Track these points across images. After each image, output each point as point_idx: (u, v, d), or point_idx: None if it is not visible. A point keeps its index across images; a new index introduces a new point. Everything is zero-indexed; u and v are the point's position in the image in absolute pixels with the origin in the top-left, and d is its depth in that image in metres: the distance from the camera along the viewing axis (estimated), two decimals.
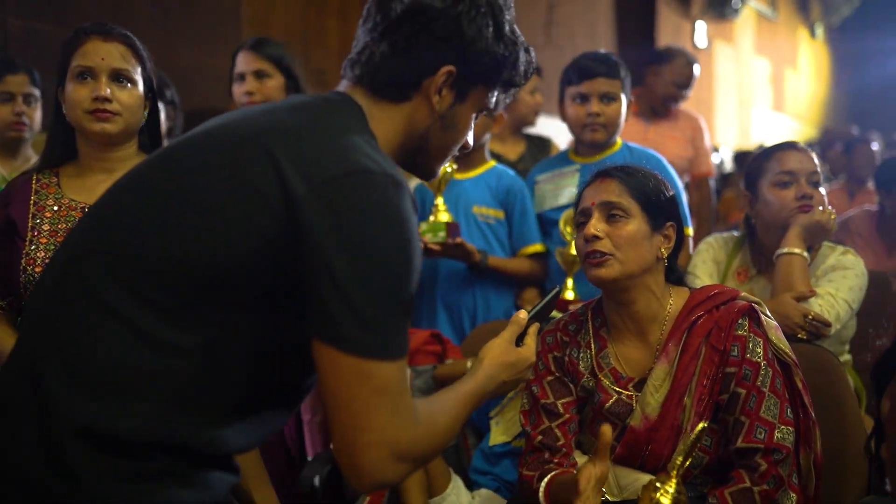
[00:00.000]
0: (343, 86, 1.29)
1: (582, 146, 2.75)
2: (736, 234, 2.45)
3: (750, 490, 1.57)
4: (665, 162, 2.72)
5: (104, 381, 1.07)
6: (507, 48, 1.28)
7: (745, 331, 1.65)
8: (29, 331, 1.15)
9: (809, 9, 11.20)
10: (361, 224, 1.05)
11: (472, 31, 1.24)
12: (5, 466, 1.07)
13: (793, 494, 1.58)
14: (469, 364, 2.24)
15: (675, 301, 1.75)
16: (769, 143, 2.56)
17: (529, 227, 2.75)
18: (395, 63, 1.23)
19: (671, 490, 1.33)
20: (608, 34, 6.86)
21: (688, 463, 1.38)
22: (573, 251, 2.55)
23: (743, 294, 1.72)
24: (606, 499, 1.71)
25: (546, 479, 1.69)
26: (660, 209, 1.73)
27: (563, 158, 2.83)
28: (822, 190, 2.26)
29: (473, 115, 1.33)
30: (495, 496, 2.13)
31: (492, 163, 2.85)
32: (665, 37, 7.25)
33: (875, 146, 5.56)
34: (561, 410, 1.78)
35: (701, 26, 8.31)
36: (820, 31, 11.42)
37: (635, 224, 1.70)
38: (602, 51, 2.79)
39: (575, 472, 1.66)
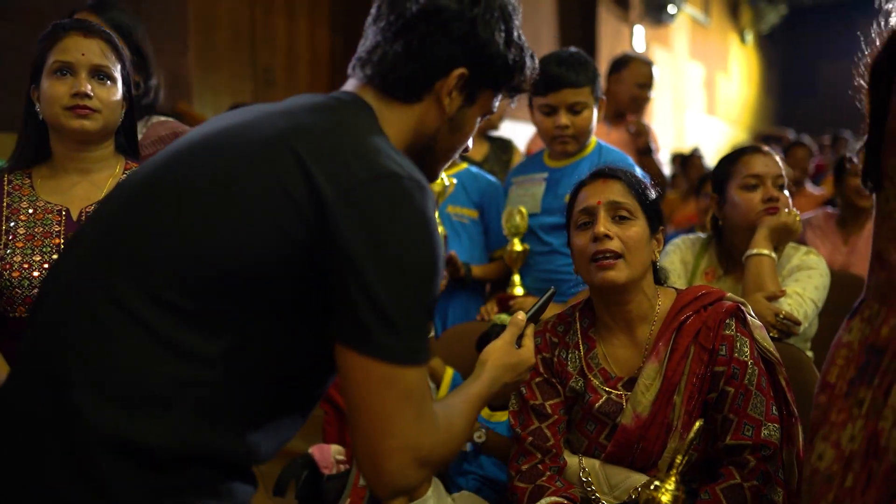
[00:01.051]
0: (352, 85, 1.28)
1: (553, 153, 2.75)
2: (702, 235, 2.52)
3: (740, 486, 1.61)
4: (635, 165, 2.74)
5: (131, 391, 1.05)
6: (516, 53, 1.29)
7: (733, 330, 1.70)
8: (44, 341, 1.11)
9: (740, 15, 11.51)
10: (391, 230, 1.05)
11: (486, 35, 1.24)
12: (27, 479, 1.03)
13: (779, 489, 1.63)
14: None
15: (663, 301, 1.78)
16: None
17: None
18: (408, 63, 1.23)
19: (671, 488, 1.36)
20: (550, 38, 6.94)
21: (684, 461, 1.41)
22: (518, 248, 2.60)
23: (729, 295, 1.76)
24: (597, 497, 1.73)
25: None
26: (655, 213, 1.77)
27: (538, 161, 2.81)
28: (787, 192, 2.34)
29: (478, 119, 1.34)
30: (476, 497, 2.13)
31: (464, 164, 2.87)
32: (605, 41, 7.37)
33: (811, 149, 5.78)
34: (549, 411, 1.80)
35: (639, 31, 8.46)
36: (750, 37, 11.75)
37: (640, 226, 1.73)
38: (570, 50, 2.61)
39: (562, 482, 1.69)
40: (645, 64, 4.11)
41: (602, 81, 2.69)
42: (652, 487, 1.37)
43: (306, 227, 1.06)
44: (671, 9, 8.83)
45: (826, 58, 10.87)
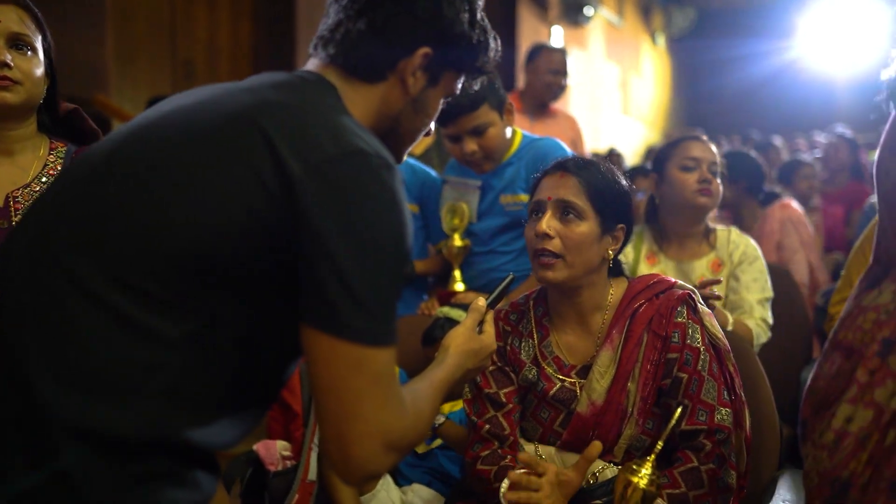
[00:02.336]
0: (314, 65, 1.26)
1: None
2: (637, 228, 2.64)
3: (697, 469, 1.65)
4: (568, 149, 2.70)
5: (93, 377, 1.00)
6: (480, 34, 1.29)
7: (685, 318, 1.73)
8: (2, 328, 1.06)
9: (651, 18, 11.80)
10: (361, 208, 1.03)
11: (451, 14, 1.24)
12: None
13: (732, 472, 1.67)
14: None
15: (615, 290, 1.81)
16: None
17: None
18: (372, 42, 1.21)
19: (647, 472, 1.38)
20: None
21: (660, 447, 1.43)
22: (458, 243, 2.60)
23: (679, 283, 1.80)
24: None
25: (512, 477, 1.70)
26: (613, 211, 1.77)
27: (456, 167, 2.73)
28: (719, 180, 2.51)
29: (441, 101, 1.33)
30: (428, 490, 2.12)
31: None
32: (525, 41, 7.45)
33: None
34: (504, 400, 1.81)
35: (557, 31, 8.59)
36: (661, 40, 12.06)
37: (587, 226, 1.73)
38: None
39: (521, 463, 1.69)
40: (556, 51, 4.18)
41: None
42: (630, 471, 1.39)
43: (273, 204, 1.03)
44: (587, 10, 8.99)
45: (733, 61, 11.24)
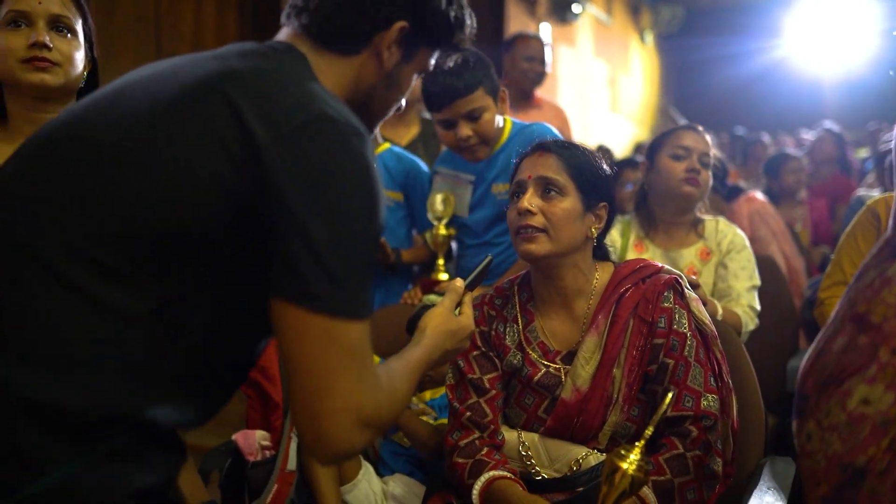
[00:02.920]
0: (285, 34, 1.22)
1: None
2: (626, 217, 2.64)
3: (683, 456, 1.62)
4: (557, 133, 2.63)
5: (52, 352, 0.97)
6: (457, 10, 1.26)
7: (671, 303, 1.70)
8: None
9: (640, 16, 11.79)
10: (331, 176, 1.00)
11: None
12: None
13: (718, 459, 1.64)
14: None
15: (600, 275, 1.78)
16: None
17: None
18: (348, 13, 1.18)
19: (636, 457, 1.35)
20: None
21: (650, 432, 1.40)
22: (442, 231, 2.58)
23: (666, 267, 1.77)
24: (537, 471, 1.71)
25: (483, 481, 1.67)
26: (594, 188, 1.75)
27: (459, 159, 2.64)
28: (710, 172, 2.51)
29: (414, 76, 1.30)
30: (410, 480, 2.09)
31: (386, 144, 2.81)
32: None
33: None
34: (487, 385, 1.78)
35: (545, 28, 8.56)
36: (649, 38, 12.05)
37: (569, 202, 1.71)
38: (454, 57, 2.38)
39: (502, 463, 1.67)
40: (532, 38, 4.14)
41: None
42: (618, 457, 1.36)
43: (238, 172, 0.99)
44: (576, 8, 8.96)
45: (721, 59, 11.24)
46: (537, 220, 1.69)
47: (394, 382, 1.12)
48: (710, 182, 2.51)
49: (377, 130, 2.66)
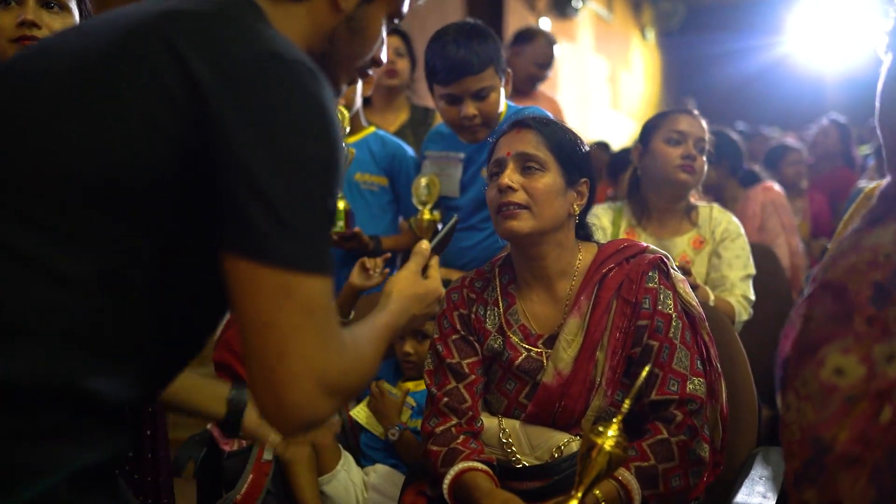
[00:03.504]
0: None
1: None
2: (618, 204, 2.58)
3: (668, 441, 1.56)
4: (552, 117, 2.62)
5: None
6: None
7: (656, 283, 1.64)
8: None
9: (641, 12, 11.74)
10: (281, 117, 0.92)
11: None
12: None
13: (705, 445, 1.58)
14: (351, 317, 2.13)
15: (584, 256, 1.71)
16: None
17: None
18: None
19: (614, 433, 1.28)
20: None
21: (626, 407, 1.34)
22: (427, 216, 2.50)
23: (651, 247, 1.71)
24: (518, 458, 1.65)
25: (453, 473, 1.61)
26: (575, 164, 1.68)
27: (453, 136, 2.53)
28: (705, 158, 2.43)
29: (384, 22, 1.21)
30: (392, 471, 2.02)
31: (371, 128, 2.75)
32: (512, 31, 7.34)
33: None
34: (466, 370, 1.71)
35: (545, 23, 8.50)
36: (651, 35, 11.99)
37: (550, 177, 1.65)
38: (467, 23, 2.33)
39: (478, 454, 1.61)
40: (548, 45, 4.06)
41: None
42: (595, 433, 1.29)
43: (180, 117, 0.92)
44: (576, 3, 8.90)
45: (723, 56, 11.17)
46: (519, 197, 1.63)
47: (359, 346, 1.05)
48: (706, 169, 2.44)
49: (360, 109, 2.63)
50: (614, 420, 1.31)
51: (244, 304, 0.92)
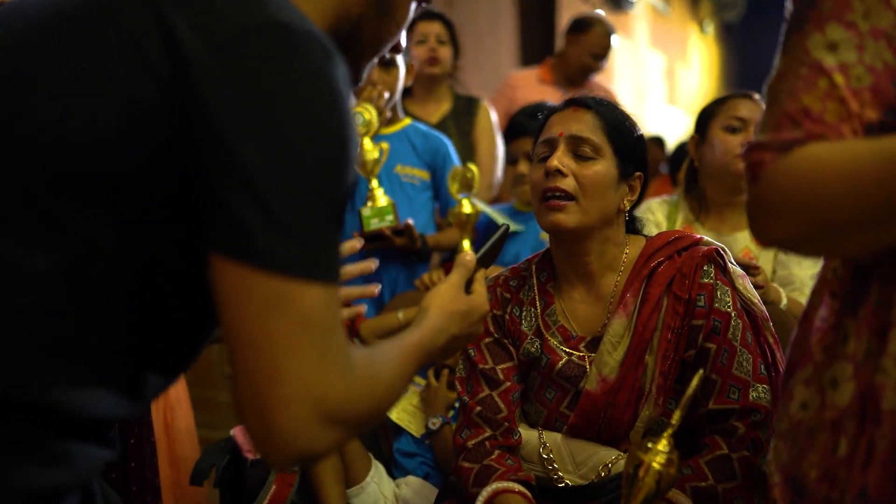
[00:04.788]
0: None
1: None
2: (674, 198, 2.41)
3: (728, 458, 1.38)
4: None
5: None
6: None
7: (712, 278, 1.46)
8: None
9: (700, 5, 11.41)
10: (278, 94, 0.78)
11: None
12: None
13: None
14: (400, 316, 1.99)
15: (631, 250, 1.54)
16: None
17: None
18: None
19: (663, 450, 1.11)
20: (510, 22, 6.72)
21: (677, 419, 1.17)
22: (466, 209, 2.38)
23: (705, 238, 1.53)
24: (560, 476, 1.49)
25: (486, 494, 1.44)
26: (631, 155, 1.51)
27: (511, 210, 2.60)
28: None
29: (412, 5, 1.08)
30: (424, 484, 1.88)
31: (408, 120, 2.62)
32: (565, 23, 7.15)
33: None
34: (501, 377, 1.55)
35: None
36: (710, 28, 11.66)
37: (604, 166, 1.47)
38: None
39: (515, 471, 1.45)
40: (605, 35, 3.87)
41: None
42: (642, 448, 1.13)
43: (162, 92, 0.78)
44: None
45: None
46: (567, 184, 1.46)
47: (375, 368, 0.89)
48: None
49: (398, 100, 2.50)
50: (664, 434, 1.14)
51: (231, 314, 0.78)
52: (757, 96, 2.28)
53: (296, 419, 0.77)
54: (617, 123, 1.51)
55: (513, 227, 2.46)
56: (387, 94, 2.35)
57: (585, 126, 1.49)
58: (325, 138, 0.79)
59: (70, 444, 0.83)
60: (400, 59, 2.40)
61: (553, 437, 1.52)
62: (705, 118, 2.28)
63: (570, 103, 1.54)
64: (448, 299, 1.10)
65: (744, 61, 12.29)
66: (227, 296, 0.78)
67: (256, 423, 0.78)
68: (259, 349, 0.77)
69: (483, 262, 1.20)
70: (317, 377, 0.78)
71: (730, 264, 1.49)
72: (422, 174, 2.54)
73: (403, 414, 1.97)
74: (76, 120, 0.80)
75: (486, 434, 1.52)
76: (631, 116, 1.57)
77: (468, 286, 1.15)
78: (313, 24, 0.84)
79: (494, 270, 1.80)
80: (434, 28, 3.03)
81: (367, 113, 2.29)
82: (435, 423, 1.91)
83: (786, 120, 0.84)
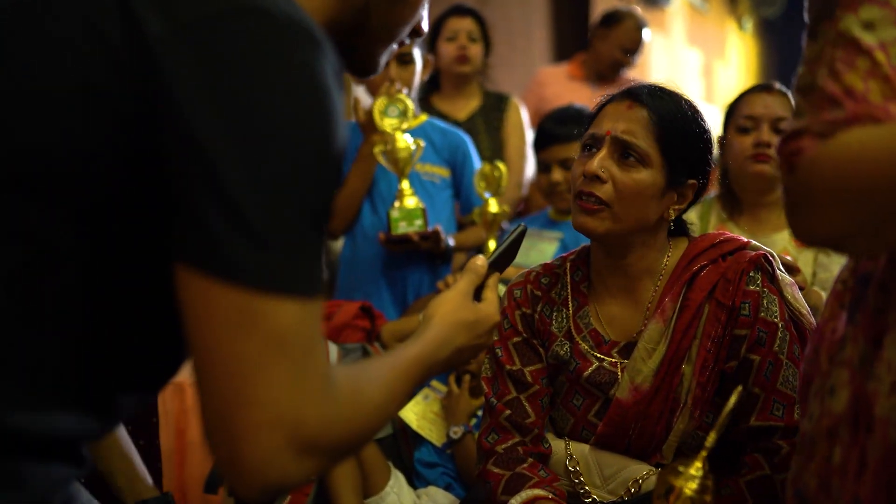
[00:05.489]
0: None
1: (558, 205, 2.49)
2: (708, 197, 2.29)
3: (770, 479, 1.27)
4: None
5: None
6: None
7: (758, 285, 1.35)
8: None
9: (738, 2, 11.21)
10: (251, 85, 0.69)
11: None
12: None
13: None
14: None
15: (673, 253, 1.43)
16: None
17: None
18: None
19: (697, 474, 1.02)
20: (542, 16, 6.61)
21: (712, 440, 1.07)
22: (494, 209, 2.30)
23: (753, 242, 1.42)
24: (586, 491, 1.39)
25: (523, 498, 1.35)
26: (685, 161, 1.39)
27: (545, 219, 2.54)
28: None
29: None
30: (446, 495, 1.79)
31: (424, 116, 2.54)
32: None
33: None
34: (529, 379, 1.46)
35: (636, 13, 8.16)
36: (749, 24, 11.46)
37: (649, 176, 1.35)
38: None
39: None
40: (637, 28, 3.74)
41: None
42: (672, 473, 1.03)
43: (124, 83, 0.70)
44: None
45: None
46: (604, 192, 1.35)
47: (361, 389, 0.80)
48: None
49: (413, 97, 2.42)
50: (697, 456, 1.04)
51: (196, 331, 0.70)
52: (777, 87, 2.19)
53: (266, 448, 0.69)
54: (673, 124, 1.38)
55: (549, 236, 2.38)
56: (405, 90, 2.27)
57: (636, 127, 1.37)
58: (303, 135, 0.71)
59: (28, 464, 0.75)
60: (417, 53, 2.33)
61: (580, 449, 1.42)
62: (726, 118, 2.21)
63: (626, 95, 1.42)
64: (453, 308, 1.01)
65: (784, 58, 12.06)
66: (192, 311, 0.70)
67: (223, 450, 0.70)
68: (226, 370, 0.69)
69: (496, 267, 1.10)
70: (290, 402, 0.70)
71: (778, 271, 1.39)
72: (441, 172, 2.47)
73: (424, 422, 1.89)
74: (23, 107, 0.72)
75: (515, 439, 1.43)
76: (696, 112, 1.43)
77: (478, 293, 1.06)
78: (301, 12, 0.75)
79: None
80: (465, 24, 2.95)
81: (401, 103, 2.20)
82: (457, 431, 1.85)
83: (825, 102, 0.77)
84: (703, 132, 1.42)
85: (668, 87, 1.44)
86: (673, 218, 1.42)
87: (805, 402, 0.92)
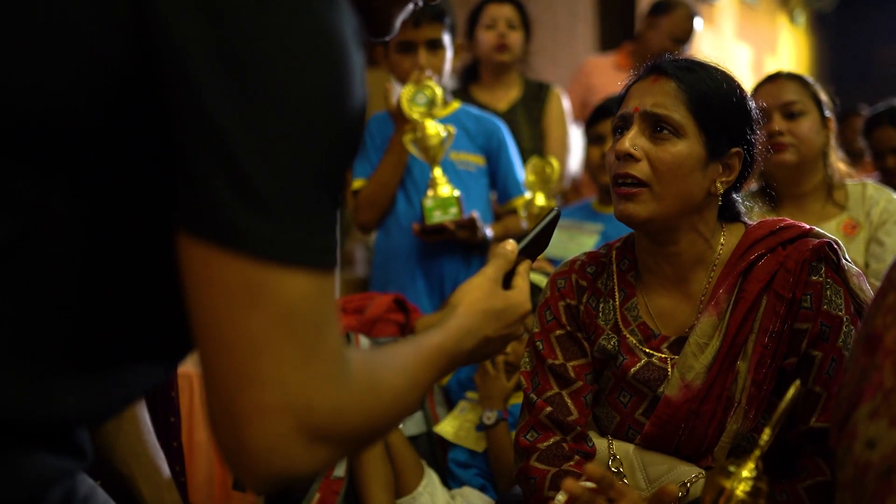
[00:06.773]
0: None
1: (604, 195, 2.42)
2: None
3: (830, 485, 1.18)
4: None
5: None
6: None
7: (822, 276, 1.25)
8: None
9: None
10: (260, 43, 0.63)
11: None
12: None
13: None
14: None
15: (727, 241, 1.34)
16: None
17: (516, 176, 2.39)
18: None
19: (749, 476, 0.93)
20: (588, 8, 6.51)
21: (766, 439, 0.98)
22: (541, 202, 2.26)
23: (816, 230, 1.32)
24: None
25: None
26: (724, 128, 1.30)
27: (587, 210, 2.49)
28: (806, 123, 2.05)
29: None
30: (481, 496, 1.72)
31: (457, 103, 2.47)
32: (646, 4, 6.92)
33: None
34: (572, 375, 1.37)
35: None
36: (801, 18, 11.23)
37: (686, 146, 1.27)
38: None
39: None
40: (689, 17, 3.63)
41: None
42: (723, 474, 0.95)
43: (127, 41, 0.65)
44: None
45: (882, 41, 10.31)
46: (640, 170, 1.27)
47: (378, 374, 0.74)
48: (809, 134, 2.04)
49: (442, 82, 2.34)
50: (751, 456, 0.95)
51: (198, 305, 0.64)
52: (787, 72, 2.13)
53: (272, 433, 0.63)
54: (706, 92, 1.30)
55: (589, 229, 2.30)
56: (435, 77, 2.20)
57: (665, 99, 1.29)
58: (317, 94, 0.64)
59: (20, 451, 0.70)
60: (447, 40, 2.26)
61: (624, 449, 1.33)
62: None
63: (651, 71, 1.35)
64: (480, 296, 0.94)
65: (837, 53, 11.77)
66: (194, 282, 0.64)
67: (226, 435, 0.64)
68: (230, 348, 0.63)
69: (527, 253, 1.03)
70: (300, 383, 0.64)
71: (843, 261, 1.28)
72: (477, 160, 2.39)
73: (461, 432, 1.82)
74: (19, 68, 0.66)
75: (557, 437, 1.35)
76: (731, 78, 1.35)
77: (508, 280, 0.99)
78: None
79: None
80: (504, 11, 2.87)
81: (428, 90, 2.13)
82: (490, 417, 1.77)
83: None
84: (740, 99, 1.33)
85: (697, 59, 1.37)
86: (721, 192, 1.32)
87: (849, 426, 0.83)
